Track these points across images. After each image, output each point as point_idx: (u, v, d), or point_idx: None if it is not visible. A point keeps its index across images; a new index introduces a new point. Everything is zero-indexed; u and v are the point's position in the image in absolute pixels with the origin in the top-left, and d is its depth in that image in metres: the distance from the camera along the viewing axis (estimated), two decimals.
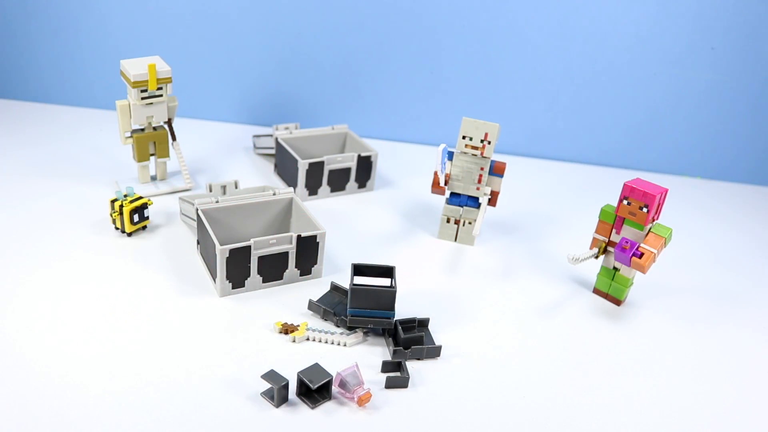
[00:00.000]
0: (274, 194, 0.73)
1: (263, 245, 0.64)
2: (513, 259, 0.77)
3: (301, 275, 0.69)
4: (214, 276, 0.65)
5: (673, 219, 0.75)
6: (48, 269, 0.66)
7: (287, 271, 0.68)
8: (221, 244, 0.62)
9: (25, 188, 0.80)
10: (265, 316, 0.62)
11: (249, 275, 0.65)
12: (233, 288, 0.65)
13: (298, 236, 0.66)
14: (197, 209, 0.68)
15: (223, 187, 0.79)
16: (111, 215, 0.72)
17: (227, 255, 0.62)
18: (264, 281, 0.67)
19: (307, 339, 0.59)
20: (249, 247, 0.63)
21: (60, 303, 0.61)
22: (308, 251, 0.67)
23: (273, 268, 0.66)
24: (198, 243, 0.71)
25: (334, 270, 0.71)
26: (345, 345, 0.58)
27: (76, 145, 0.93)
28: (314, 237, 0.67)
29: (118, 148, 0.90)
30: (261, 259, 0.65)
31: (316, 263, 0.69)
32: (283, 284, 0.68)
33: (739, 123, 1.07)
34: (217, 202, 0.69)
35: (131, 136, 0.80)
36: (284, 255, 0.66)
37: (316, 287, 0.68)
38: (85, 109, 1.06)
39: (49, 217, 0.75)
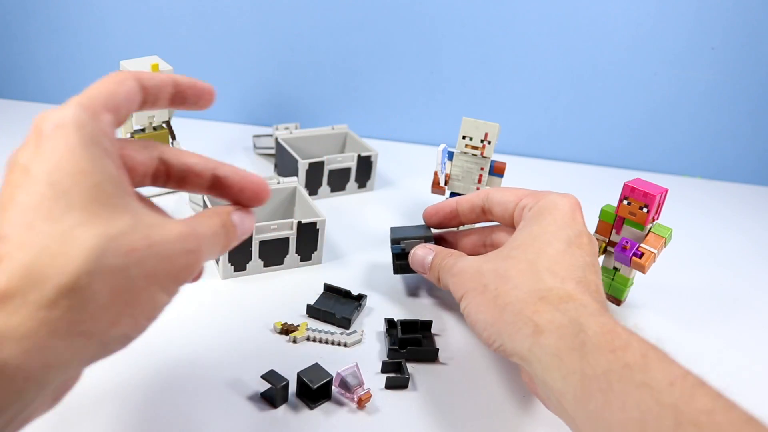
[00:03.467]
0: (279, 183, 0.75)
1: (265, 230, 0.66)
2: None
3: (301, 261, 0.70)
4: (217, 259, 0.67)
5: (673, 219, 0.75)
6: None
7: (288, 256, 0.69)
8: None
9: None
10: (266, 305, 0.63)
11: (251, 259, 0.67)
12: (235, 271, 0.67)
13: (299, 222, 0.68)
14: (203, 195, 0.69)
15: None
16: None
17: None
18: (265, 265, 0.69)
19: (308, 339, 0.59)
20: None
21: None
22: (308, 238, 0.69)
23: (274, 253, 0.68)
24: None
25: (334, 257, 0.73)
26: (345, 345, 0.58)
27: None
28: (314, 224, 0.69)
29: None
30: (262, 243, 0.67)
31: (316, 250, 0.70)
32: (283, 269, 0.70)
33: (739, 123, 1.07)
34: None
35: (132, 137, 0.80)
36: (285, 240, 0.68)
37: (315, 273, 0.70)
38: None
39: None
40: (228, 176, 0.42)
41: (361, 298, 0.64)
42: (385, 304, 0.66)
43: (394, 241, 0.66)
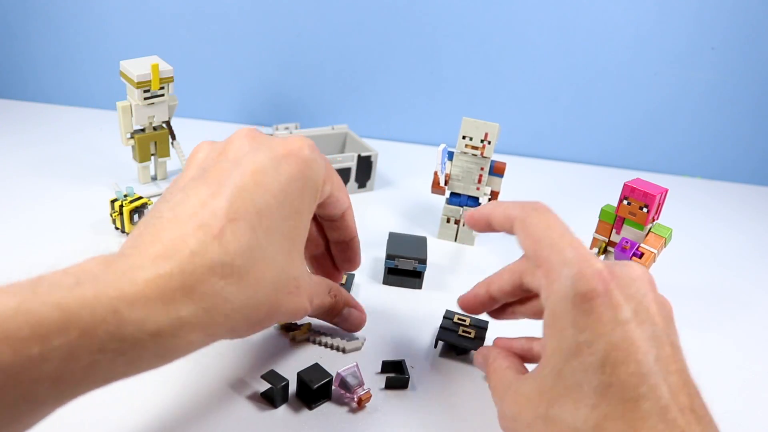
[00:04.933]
0: None
1: None
2: (513, 259, 0.77)
3: None
4: None
5: (673, 219, 0.75)
6: (48, 269, 0.65)
7: None
8: None
9: (25, 189, 0.80)
10: None
11: None
12: None
13: None
14: None
15: None
16: (111, 215, 0.72)
17: None
18: None
19: (307, 340, 0.59)
20: None
21: None
22: None
23: None
24: None
25: None
26: (343, 351, 0.58)
27: (76, 146, 0.93)
28: None
29: (118, 148, 0.90)
30: None
31: None
32: None
33: (739, 123, 1.07)
34: None
35: (132, 137, 0.80)
36: None
37: None
38: (85, 109, 1.06)
39: (49, 217, 0.75)
40: (354, 249, 0.59)
41: (348, 278, 0.65)
42: (385, 303, 0.66)
43: (389, 257, 0.67)
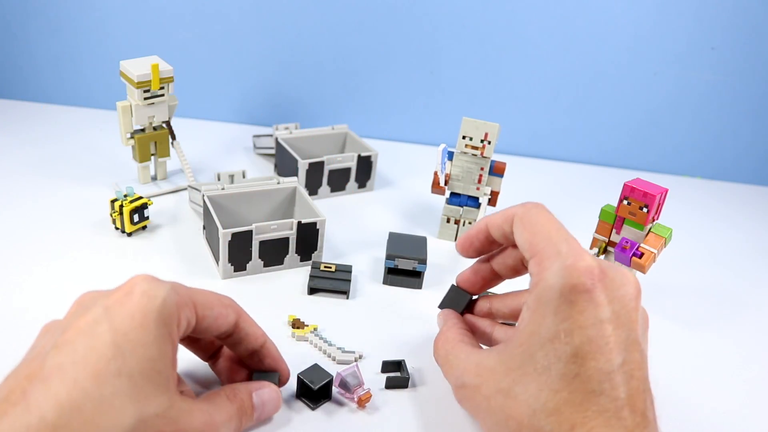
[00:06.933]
0: (279, 183, 0.74)
1: (265, 230, 0.66)
2: None
3: (301, 261, 0.70)
4: (217, 259, 0.67)
5: (673, 219, 0.75)
6: (48, 269, 0.66)
7: (288, 256, 0.69)
8: (224, 229, 0.64)
9: (26, 188, 0.80)
10: (266, 306, 0.63)
11: (251, 259, 0.67)
12: (235, 271, 0.67)
13: (299, 222, 0.68)
14: (203, 195, 0.70)
15: (231, 177, 0.81)
16: (111, 215, 0.72)
17: (229, 238, 0.64)
18: (265, 265, 0.69)
19: (306, 341, 0.59)
20: (251, 231, 0.65)
21: (60, 302, 0.61)
22: (308, 238, 0.69)
23: (274, 253, 0.68)
24: (204, 228, 0.73)
25: (334, 257, 0.73)
26: (334, 360, 0.57)
27: (76, 145, 0.93)
28: (314, 224, 0.69)
29: (118, 148, 0.90)
30: (262, 243, 0.67)
31: (316, 250, 0.70)
32: (283, 269, 0.70)
33: (739, 123, 1.07)
34: (223, 189, 0.71)
35: (132, 137, 0.80)
36: (285, 240, 0.68)
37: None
38: (85, 109, 1.06)
39: (49, 217, 0.75)
40: (270, 353, 0.49)
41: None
42: (385, 303, 0.66)
43: (389, 257, 0.67)
